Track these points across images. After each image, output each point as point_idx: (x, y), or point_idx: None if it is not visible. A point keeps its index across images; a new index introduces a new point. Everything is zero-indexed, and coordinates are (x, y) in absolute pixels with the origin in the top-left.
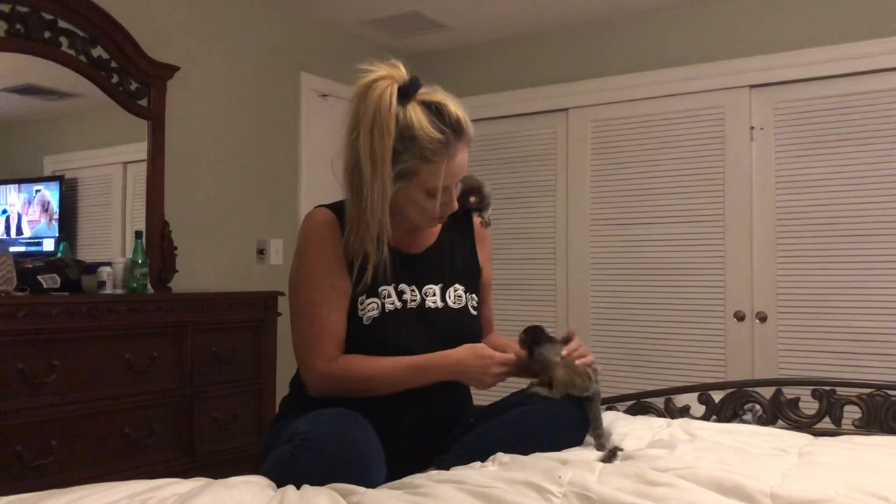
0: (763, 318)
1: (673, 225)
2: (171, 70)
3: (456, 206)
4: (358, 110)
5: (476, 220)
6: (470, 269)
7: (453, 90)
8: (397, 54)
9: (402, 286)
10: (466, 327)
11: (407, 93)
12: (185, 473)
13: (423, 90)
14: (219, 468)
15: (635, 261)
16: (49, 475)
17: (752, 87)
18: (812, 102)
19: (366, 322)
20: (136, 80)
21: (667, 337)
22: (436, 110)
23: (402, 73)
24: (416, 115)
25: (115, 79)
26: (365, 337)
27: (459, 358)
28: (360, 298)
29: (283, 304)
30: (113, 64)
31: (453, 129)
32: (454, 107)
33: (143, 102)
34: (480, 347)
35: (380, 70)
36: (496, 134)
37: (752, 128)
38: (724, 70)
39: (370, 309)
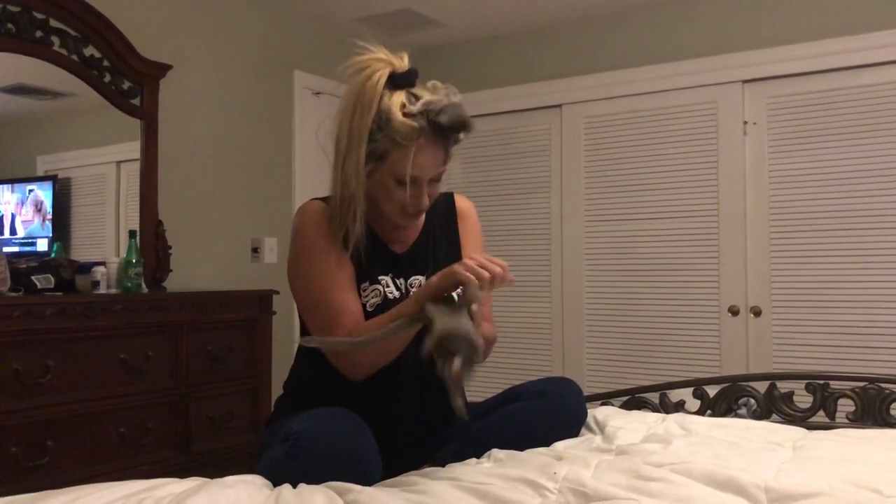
0: (757, 313)
1: (667, 220)
2: (164, 69)
3: (426, 203)
4: (349, 87)
5: (459, 201)
6: (454, 255)
7: None
8: (393, 51)
9: (396, 279)
10: None
11: (399, 81)
12: (181, 473)
13: (420, 84)
14: (214, 467)
15: (630, 256)
16: (45, 476)
17: (744, 81)
18: (805, 97)
19: (369, 309)
20: (128, 79)
21: (661, 332)
22: (418, 100)
23: (402, 63)
24: (398, 99)
25: (107, 78)
26: None
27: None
28: (362, 285)
29: (278, 303)
30: (105, 63)
31: (430, 120)
32: (441, 103)
33: (136, 101)
34: None
35: (379, 52)
36: (490, 131)
37: (746, 122)
38: (716, 65)
39: (372, 296)
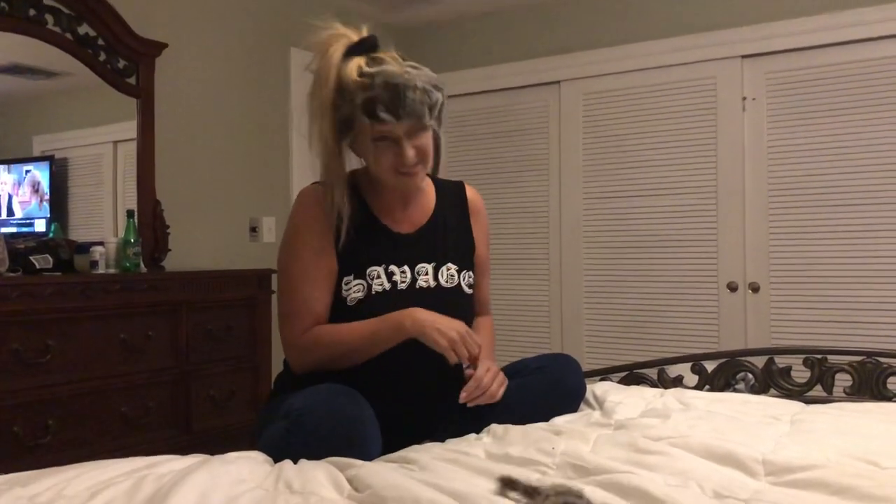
0: (756, 289)
1: (665, 197)
2: (160, 47)
3: (412, 157)
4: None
5: (470, 194)
6: (464, 246)
7: (444, 64)
8: (388, 28)
9: (393, 267)
10: (459, 307)
11: (356, 49)
12: (183, 451)
13: (386, 52)
14: (216, 446)
15: (628, 233)
16: (46, 455)
17: (743, 57)
18: (804, 72)
19: (350, 303)
20: (123, 58)
21: (660, 308)
22: (374, 62)
23: (360, 35)
24: (355, 64)
25: (102, 56)
26: (348, 319)
27: (421, 311)
28: (345, 279)
29: (277, 282)
30: (100, 41)
31: (385, 80)
32: (397, 64)
33: (132, 80)
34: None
35: (334, 29)
36: (487, 108)
37: (744, 98)
38: (715, 40)
39: (355, 290)
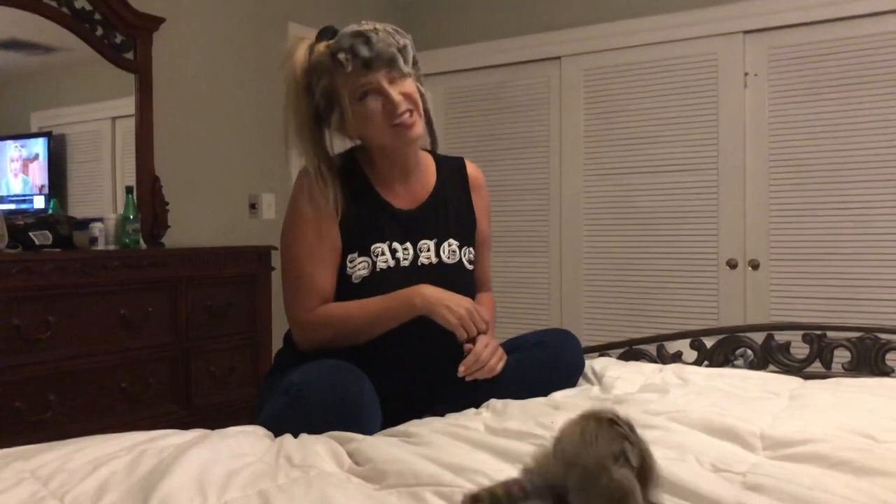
0: (756, 266)
1: (666, 174)
2: (157, 21)
3: (403, 105)
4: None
5: (471, 170)
6: (465, 221)
7: (444, 39)
8: (388, 3)
9: (395, 244)
10: (461, 283)
11: (317, 41)
12: (183, 426)
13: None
14: (216, 421)
15: (628, 209)
16: (48, 430)
17: (745, 32)
18: (806, 47)
19: (355, 280)
20: (121, 33)
21: (660, 285)
22: (332, 35)
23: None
24: (318, 48)
25: (99, 31)
26: (353, 296)
27: (430, 288)
28: (349, 256)
29: (277, 259)
30: (97, 16)
31: (348, 34)
32: (353, 29)
33: (129, 55)
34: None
35: (295, 39)
36: (488, 83)
37: (746, 74)
38: (717, 16)
39: (360, 268)
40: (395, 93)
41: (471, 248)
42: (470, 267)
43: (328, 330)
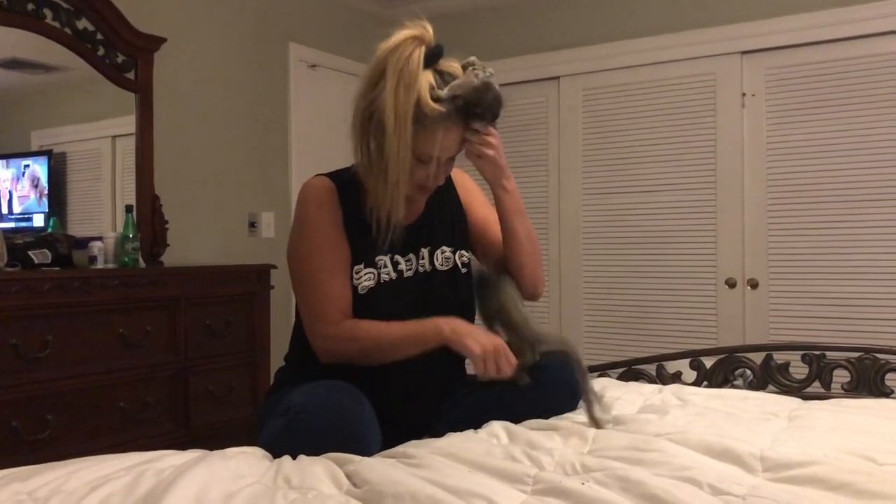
0: (754, 285)
1: (664, 193)
2: (158, 42)
3: (443, 180)
4: (384, 65)
5: (454, 174)
6: (457, 223)
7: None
8: (385, 23)
9: (398, 257)
10: (455, 288)
11: (428, 59)
12: (181, 446)
13: (446, 59)
14: (214, 441)
15: (627, 229)
16: (46, 450)
17: (743, 53)
18: (803, 68)
19: (361, 291)
20: (122, 53)
21: (659, 304)
22: (445, 81)
23: (430, 35)
24: (426, 80)
25: (101, 51)
26: (360, 306)
27: (462, 322)
28: (356, 268)
29: (276, 277)
30: (98, 36)
31: (457, 107)
32: (470, 85)
33: (130, 75)
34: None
35: (412, 30)
36: None
37: (744, 94)
38: (715, 36)
39: (366, 279)
40: (441, 172)
41: (464, 251)
42: (464, 270)
43: (355, 345)
